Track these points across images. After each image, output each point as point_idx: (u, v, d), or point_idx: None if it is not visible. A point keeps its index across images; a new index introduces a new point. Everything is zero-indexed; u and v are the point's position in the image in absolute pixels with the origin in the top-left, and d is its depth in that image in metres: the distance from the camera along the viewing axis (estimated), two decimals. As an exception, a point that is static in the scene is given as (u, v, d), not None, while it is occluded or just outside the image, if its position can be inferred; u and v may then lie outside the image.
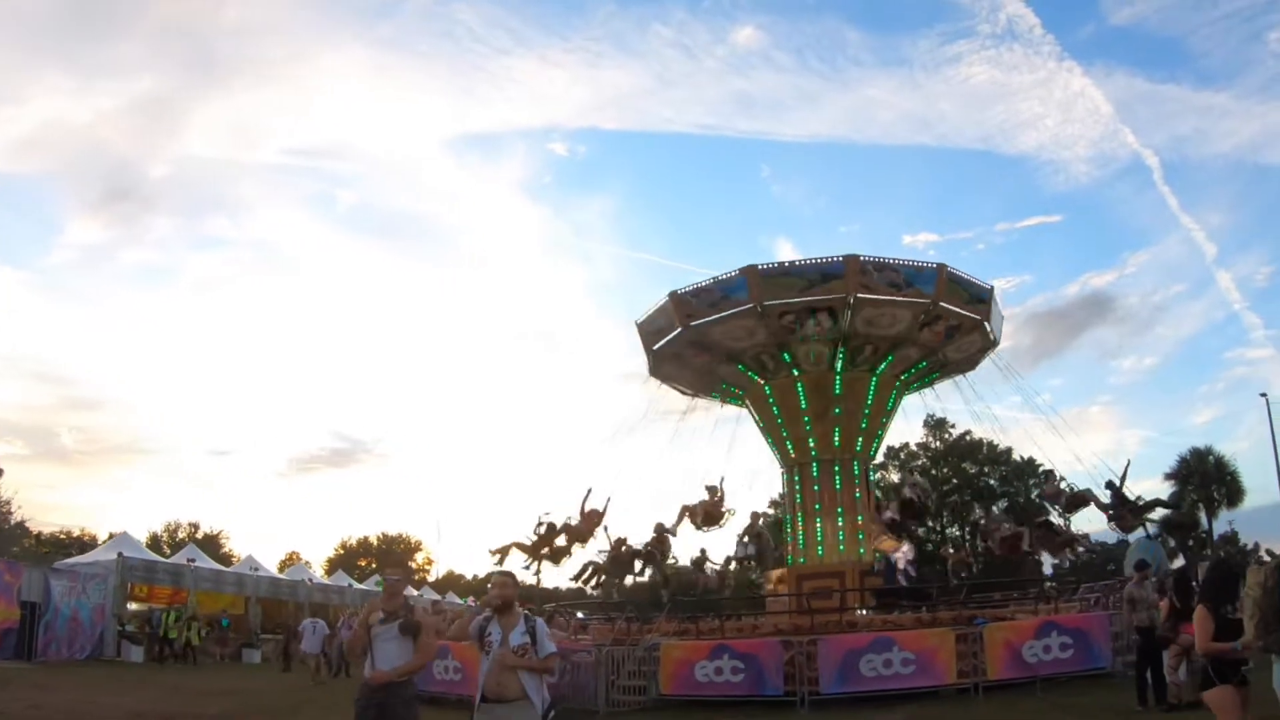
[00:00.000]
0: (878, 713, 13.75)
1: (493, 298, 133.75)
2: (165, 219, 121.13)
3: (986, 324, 25.91)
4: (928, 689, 14.62)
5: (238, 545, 68.55)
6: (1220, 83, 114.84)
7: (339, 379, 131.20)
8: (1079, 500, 23.21)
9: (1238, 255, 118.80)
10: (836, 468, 25.82)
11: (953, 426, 61.01)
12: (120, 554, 30.19)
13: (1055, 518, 24.87)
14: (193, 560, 35.03)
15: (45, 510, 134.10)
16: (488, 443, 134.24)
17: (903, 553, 23.08)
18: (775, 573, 26.33)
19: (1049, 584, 22.61)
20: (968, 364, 28.05)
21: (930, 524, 60.00)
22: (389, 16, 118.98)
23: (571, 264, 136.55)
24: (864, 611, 21.48)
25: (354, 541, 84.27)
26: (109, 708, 16.35)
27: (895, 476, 62.22)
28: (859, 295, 23.44)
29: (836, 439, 25.81)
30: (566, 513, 25.10)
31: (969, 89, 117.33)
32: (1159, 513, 25.84)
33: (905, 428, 64.93)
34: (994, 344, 27.19)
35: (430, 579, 76.13)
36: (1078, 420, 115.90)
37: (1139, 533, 23.61)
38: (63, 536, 62.20)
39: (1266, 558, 20.48)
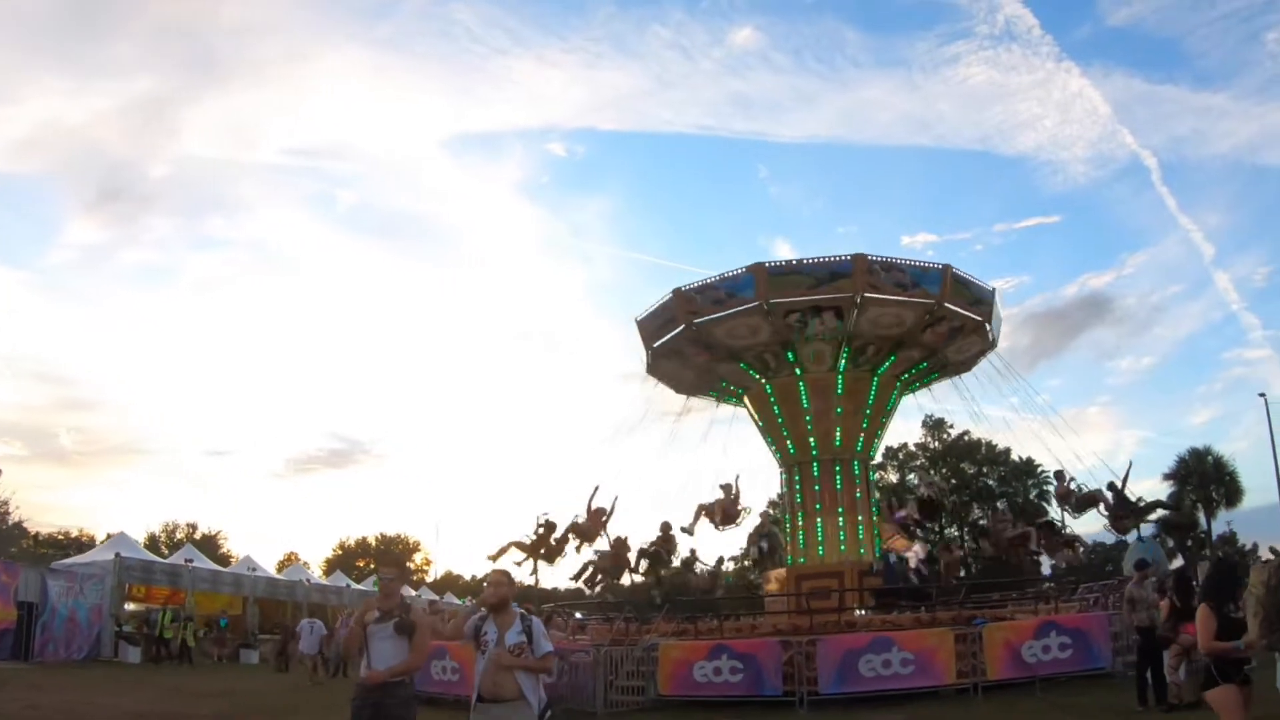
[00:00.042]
0: (877, 713, 13.70)
1: (491, 298, 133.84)
2: (164, 219, 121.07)
3: (988, 326, 25.93)
4: (927, 689, 14.58)
5: (236, 546, 68.64)
6: (1218, 83, 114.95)
7: (337, 379, 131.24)
8: (1089, 500, 23.16)
9: (1236, 256, 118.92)
10: (837, 467, 25.80)
11: (951, 427, 61.10)
12: (118, 554, 30.16)
13: (1055, 518, 24.88)
14: (190, 561, 34.99)
15: (43, 511, 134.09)
16: (485, 443, 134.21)
17: (914, 552, 23.03)
18: (774, 573, 26.29)
19: (1047, 584, 22.57)
20: (965, 365, 28.05)
21: (930, 524, 60.01)
22: (387, 17, 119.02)
23: (569, 264, 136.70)
24: (862, 612, 21.43)
25: (352, 542, 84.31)
26: (106, 708, 16.29)
27: (894, 476, 62.36)
28: (866, 295, 23.45)
29: (838, 438, 25.78)
30: (564, 512, 25.04)
31: (967, 90, 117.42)
32: (1157, 513, 25.76)
33: (904, 428, 64.97)
34: (992, 345, 27.19)
35: (428, 579, 76.15)
36: (1076, 420, 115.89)
37: (1138, 533, 23.58)
38: (61, 537, 62.20)
39: (1270, 555, 20.46)
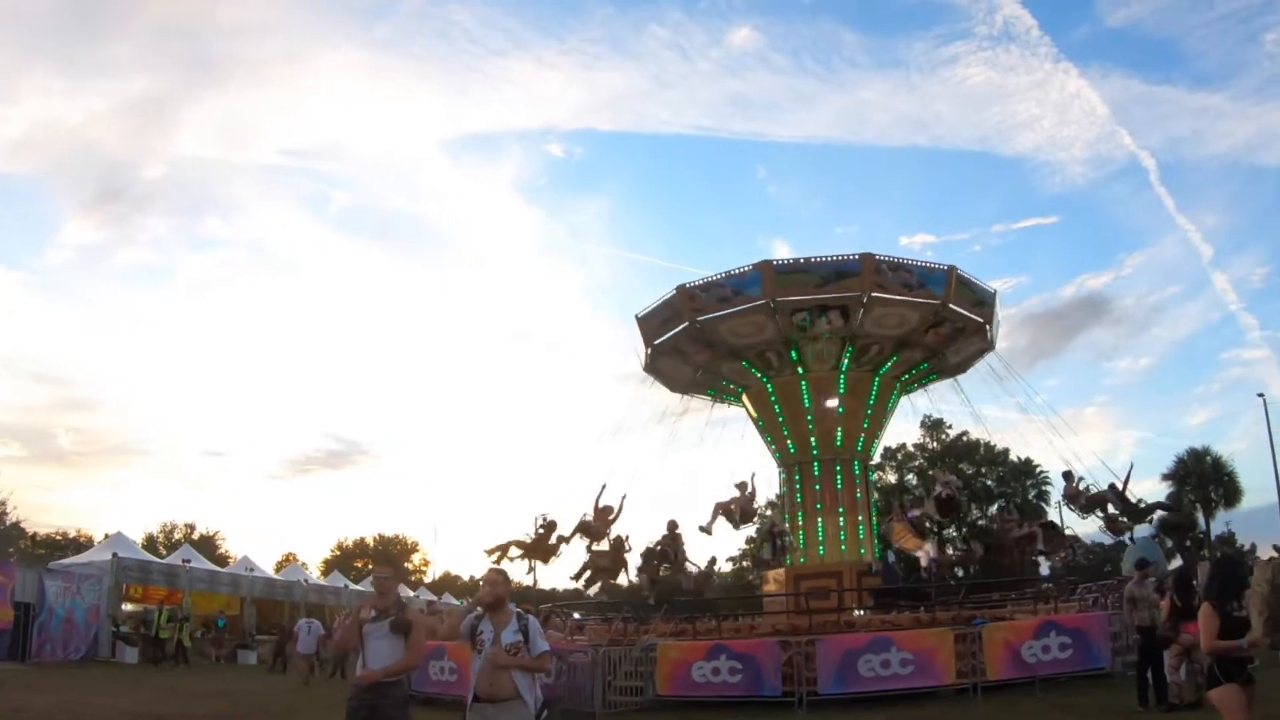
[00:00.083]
0: (876, 713, 13.63)
1: (488, 299, 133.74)
2: (160, 219, 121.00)
3: (989, 328, 25.94)
4: (926, 689, 14.53)
5: (234, 546, 68.54)
6: (1216, 84, 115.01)
7: (334, 380, 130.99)
8: (1098, 501, 23.08)
9: (1234, 256, 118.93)
10: (838, 467, 25.79)
11: (949, 427, 61.05)
12: (115, 555, 30.12)
13: (1054, 519, 24.82)
14: (188, 561, 34.91)
15: (41, 511, 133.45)
16: (483, 444, 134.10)
17: (925, 551, 22.97)
18: (772, 573, 26.22)
19: (1045, 584, 22.54)
20: (963, 367, 28.08)
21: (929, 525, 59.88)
22: (384, 17, 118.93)
23: (567, 265, 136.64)
24: (861, 612, 21.39)
25: (350, 543, 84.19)
26: (102, 709, 16.22)
27: (892, 477, 62.30)
28: (873, 294, 23.42)
29: (838, 438, 25.74)
30: (562, 512, 24.85)
31: (965, 90, 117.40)
32: (1157, 514, 25.74)
33: (902, 429, 64.95)
34: (991, 347, 27.20)
35: (426, 580, 76.05)
36: (1074, 421, 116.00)
37: (1137, 532, 23.55)
38: (59, 538, 62.13)
39: (1274, 554, 20.44)
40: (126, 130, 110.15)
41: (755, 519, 25.63)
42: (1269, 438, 39.97)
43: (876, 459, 41.82)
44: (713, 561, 27.01)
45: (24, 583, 24.78)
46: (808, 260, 24.23)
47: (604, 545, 24.27)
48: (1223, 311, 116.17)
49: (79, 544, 55.41)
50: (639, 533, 25.90)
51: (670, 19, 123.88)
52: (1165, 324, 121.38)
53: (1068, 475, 23.17)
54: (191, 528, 73.54)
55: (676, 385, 29.00)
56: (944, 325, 25.02)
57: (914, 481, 62.95)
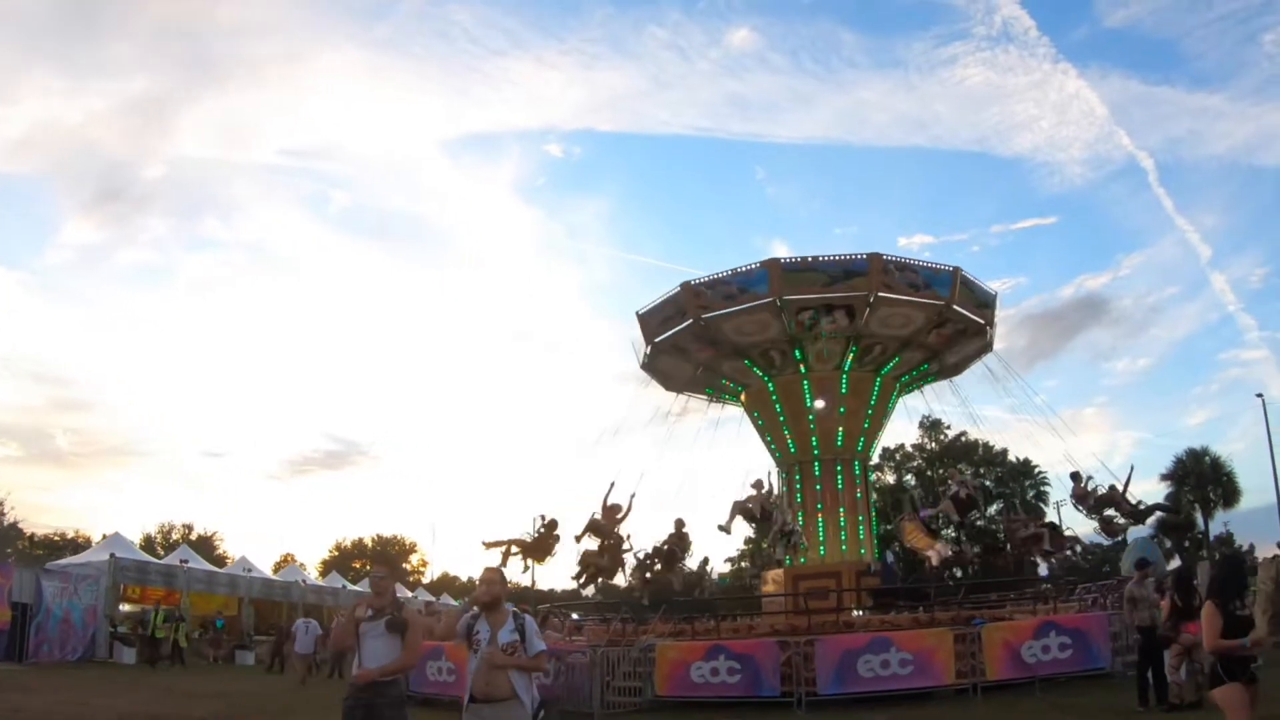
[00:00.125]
0: (875, 713, 13.58)
1: (487, 299, 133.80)
2: (160, 220, 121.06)
3: (989, 329, 25.96)
4: (926, 689, 14.48)
5: (232, 547, 68.36)
6: (1215, 84, 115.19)
7: (333, 380, 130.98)
8: (1107, 501, 23.00)
9: (1232, 257, 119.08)
10: (838, 467, 25.75)
11: (948, 428, 61.02)
12: (112, 555, 30.05)
13: (1053, 519, 24.75)
14: (185, 561, 34.84)
15: (39, 512, 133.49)
16: (482, 444, 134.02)
17: (936, 550, 22.91)
18: (771, 573, 26.17)
19: (1044, 584, 22.50)
20: (960, 367, 28.09)
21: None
22: (384, 17, 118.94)
23: (566, 265, 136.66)
24: (860, 612, 21.35)
25: (348, 543, 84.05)
26: (98, 710, 16.13)
27: (891, 478, 62.26)
28: (880, 294, 23.40)
29: (839, 438, 25.71)
30: (562, 512, 24.71)
31: (964, 91, 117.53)
32: (1156, 515, 25.68)
33: (901, 429, 64.91)
34: (989, 349, 27.21)
35: (425, 580, 75.97)
36: (1073, 421, 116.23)
37: (1136, 532, 23.51)
38: (57, 538, 62.00)
39: (1278, 551, 20.38)
40: (126, 130, 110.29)
41: (774, 517, 25.32)
42: (1268, 438, 39.96)
43: (875, 459, 41.88)
44: (705, 562, 26.76)
45: (21, 583, 24.70)
46: (815, 259, 24.19)
47: (582, 545, 24.07)
48: (1221, 312, 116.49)
49: (77, 544, 55.27)
50: (636, 532, 25.61)
51: (669, 19, 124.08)
52: (1164, 324, 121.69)
53: (1076, 476, 23.07)
54: (190, 528, 73.41)
55: (674, 384, 28.92)
56: (947, 326, 25.04)
57: (913, 482, 62.95)
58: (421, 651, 7.31)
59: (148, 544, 60.42)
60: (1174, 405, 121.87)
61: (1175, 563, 35.87)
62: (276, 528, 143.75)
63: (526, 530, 24.36)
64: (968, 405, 28.84)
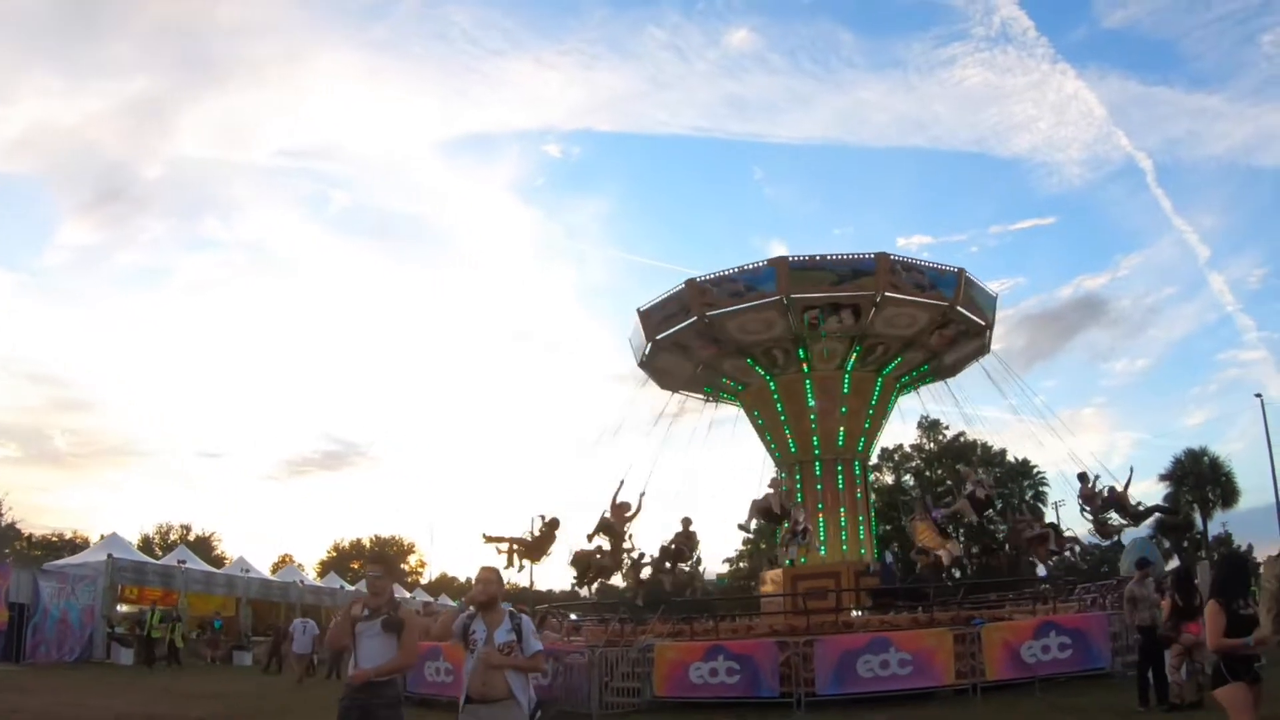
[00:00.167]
0: (875, 714, 13.53)
1: (485, 299, 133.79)
2: (158, 220, 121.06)
3: (989, 331, 25.98)
4: (925, 690, 14.44)
5: (230, 547, 68.31)
6: (1213, 85, 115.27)
7: (332, 381, 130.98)
8: (1114, 502, 22.95)
9: (1230, 257, 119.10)
10: (839, 467, 25.72)
11: (946, 428, 61.01)
12: (110, 555, 29.98)
13: (1052, 519, 24.68)
14: (183, 562, 34.80)
15: (37, 512, 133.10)
16: (480, 445, 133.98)
17: (947, 550, 22.86)
18: (770, 573, 26.11)
19: (1042, 585, 22.47)
20: (956, 368, 28.10)
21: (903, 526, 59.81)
22: (382, 18, 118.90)
23: (564, 266, 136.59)
24: (859, 613, 21.30)
25: (346, 544, 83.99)
26: (95, 711, 16.09)
27: (890, 478, 62.24)
28: (886, 294, 23.38)
29: (841, 438, 25.68)
30: (562, 511, 24.59)
31: (962, 91, 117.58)
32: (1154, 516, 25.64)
33: (899, 429, 64.82)
34: (986, 350, 27.23)
35: (423, 581, 75.91)
36: (1071, 422, 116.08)
37: (1134, 533, 23.48)
38: (55, 539, 61.97)
39: None
40: (125, 131, 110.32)
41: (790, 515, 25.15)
42: (1266, 438, 39.95)
43: (873, 460, 41.86)
44: (697, 562, 26.42)
45: (19, 583, 24.65)
46: (823, 258, 24.14)
47: (595, 544, 23.94)
48: (1219, 312, 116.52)
49: (75, 545, 55.21)
50: (635, 531, 25.45)
51: (668, 20, 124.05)
52: (1162, 325, 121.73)
53: (1083, 477, 23.00)
54: (188, 529, 73.43)
55: (672, 383, 28.84)
56: (949, 327, 25.05)
57: (911, 482, 62.94)
58: (418, 652, 7.24)
59: (146, 545, 60.37)
60: (1172, 406, 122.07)
61: (1174, 563, 35.79)
62: (274, 528, 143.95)
63: (528, 529, 24.27)
64: (966, 406, 28.86)
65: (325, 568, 69.92)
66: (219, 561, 50.24)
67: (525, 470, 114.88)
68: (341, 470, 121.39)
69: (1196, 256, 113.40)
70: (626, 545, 23.79)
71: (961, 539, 51.74)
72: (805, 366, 25.30)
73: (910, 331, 24.69)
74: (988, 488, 24.10)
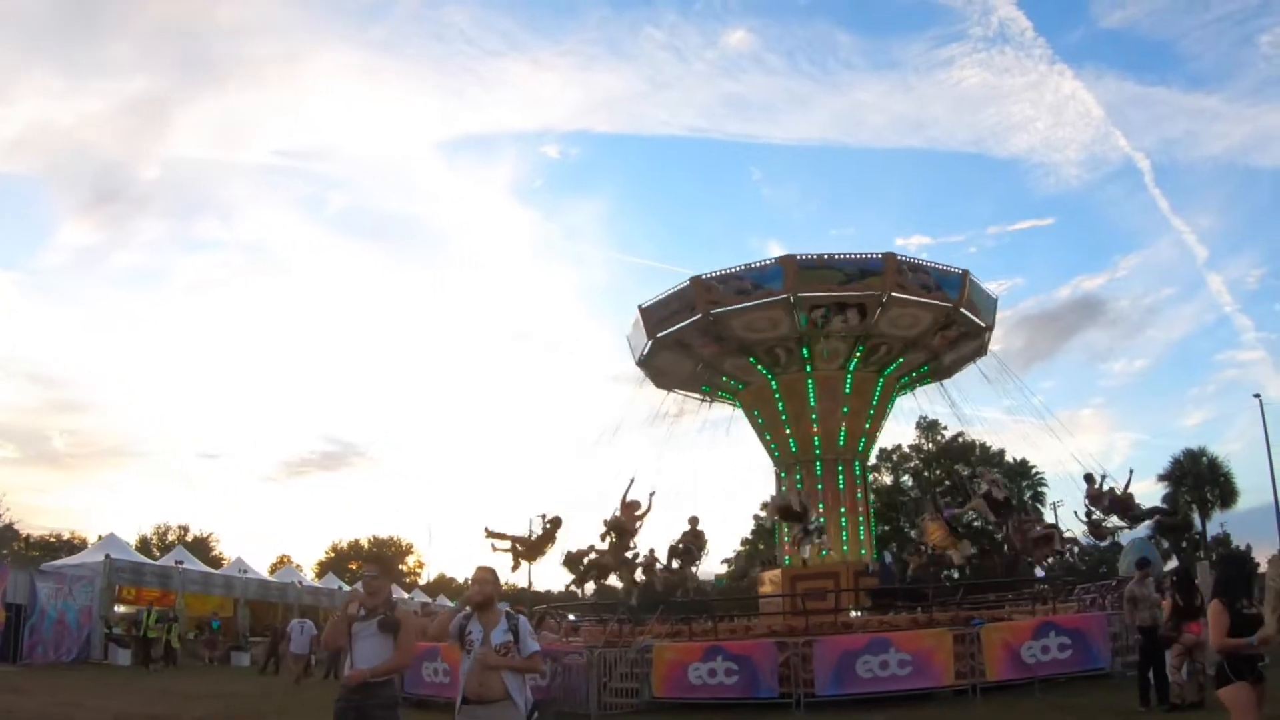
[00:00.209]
0: (874, 714, 13.51)
1: (483, 300, 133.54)
2: (156, 221, 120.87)
3: (989, 333, 25.99)
4: (925, 690, 14.40)
5: (228, 548, 68.27)
6: (1211, 85, 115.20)
7: (330, 382, 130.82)
8: (1123, 503, 22.90)
9: (1229, 258, 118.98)
10: (839, 467, 25.68)
11: (945, 429, 60.99)
12: (107, 556, 29.93)
13: (1054, 520, 24.64)
14: (181, 562, 34.75)
15: (35, 513, 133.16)
16: (478, 445, 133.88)
17: (959, 550, 22.81)
18: (768, 574, 26.07)
19: (1040, 585, 22.44)
20: (954, 369, 28.09)
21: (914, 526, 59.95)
22: (380, 18, 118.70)
23: (563, 266, 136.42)
24: (858, 613, 21.26)
25: (345, 544, 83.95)
26: (92, 711, 16.03)
27: (888, 478, 62.23)
28: (893, 294, 23.36)
29: (842, 438, 25.65)
30: (562, 511, 24.47)
31: (960, 92, 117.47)
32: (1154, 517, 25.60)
33: (897, 430, 64.80)
34: (983, 351, 27.25)
35: (421, 582, 75.87)
36: (1070, 422, 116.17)
37: (1133, 533, 23.45)
38: (52, 539, 61.97)
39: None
40: (123, 131, 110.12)
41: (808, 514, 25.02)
42: (1265, 439, 39.95)
43: (872, 460, 41.85)
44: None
45: (15, 584, 24.59)
46: (831, 256, 24.05)
47: (606, 544, 23.85)
48: (1218, 313, 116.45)
49: (73, 546, 55.14)
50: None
51: (666, 20, 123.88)
52: (1160, 325, 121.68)
53: (1089, 478, 22.93)
54: (185, 529, 73.42)
55: (669, 381, 28.73)
56: (952, 328, 25.05)
57: (910, 483, 62.92)
58: (415, 652, 7.21)
59: (144, 545, 60.31)
60: (1171, 406, 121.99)
61: (1172, 563, 35.79)
62: (273, 529, 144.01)
63: (532, 529, 24.11)
64: (962, 406, 28.72)
65: (323, 568, 69.90)
66: (217, 562, 50.19)
67: (523, 471, 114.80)
68: (340, 471, 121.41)
69: (1195, 257, 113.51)
70: (631, 545, 23.71)
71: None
72: (808, 366, 25.25)
73: (914, 332, 24.67)
74: (1004, 487, 23.98)
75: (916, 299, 23.92)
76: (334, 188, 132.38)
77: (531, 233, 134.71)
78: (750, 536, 62.35)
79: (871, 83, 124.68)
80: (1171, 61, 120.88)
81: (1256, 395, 43.43)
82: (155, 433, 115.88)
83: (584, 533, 24.80)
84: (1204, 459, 56.64)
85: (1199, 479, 55.65)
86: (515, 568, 24.02)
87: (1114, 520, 22.90)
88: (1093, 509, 22.60)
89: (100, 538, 38.70)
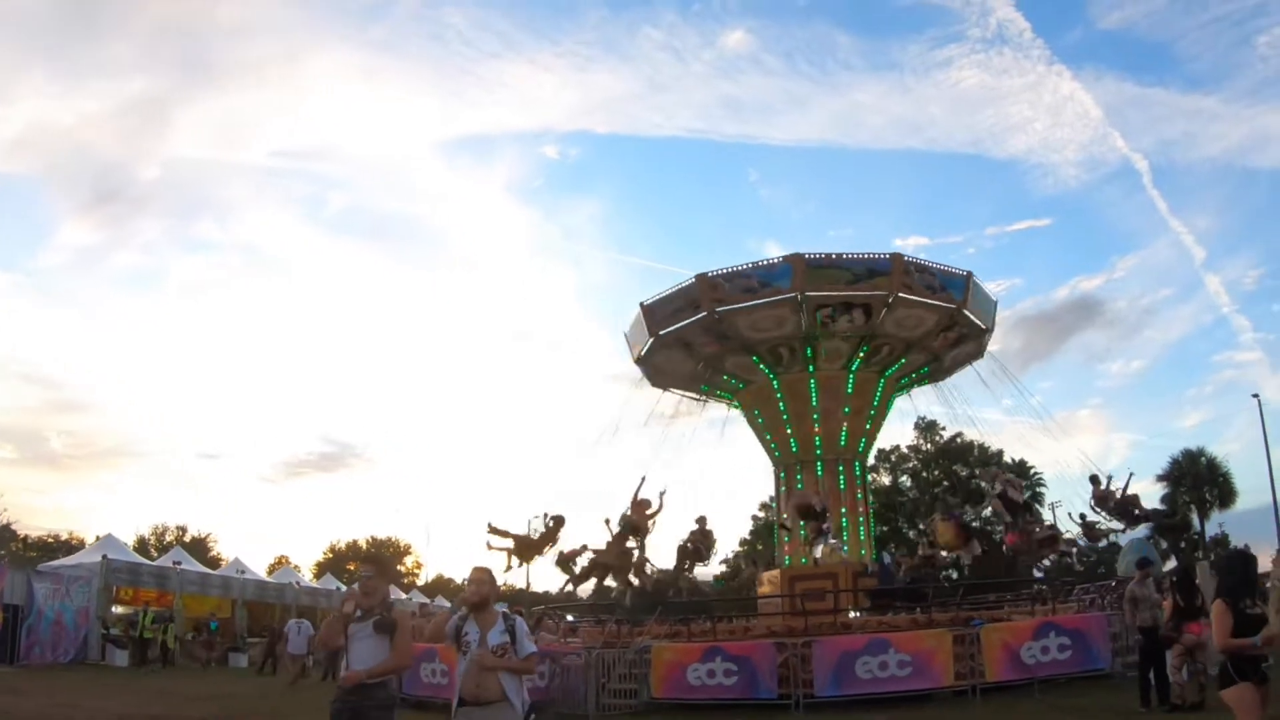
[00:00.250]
0: (873, 715, 13.46)
1: (482, 301, 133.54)
2: (155, 221, 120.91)
3: (988, 335, 25.98)
4: (924, 691, 14.35)
5: (226, 549, 68.20)
6: (1209, 86, 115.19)
7: (328, 382, 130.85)
8: (1129, 505, 22.85)
9: (1226, 258, 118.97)
10: (840, 467, 25.65)
11: (943, 429, 60.97)
12: (104, 556, 29.85)
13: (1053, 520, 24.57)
14: (178, 563, 34.66)
15: (33, 514, 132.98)
16: (477, 446, 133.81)
17: (969, 550, 22.75)
18: (767, 574, 26.03)
19: (1038, 585, 22.40)
20: (951, 370, 28.07)
21: (922, 526, 59.91)
22: (379, 19, 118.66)
23: (561, 267, 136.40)
24: (856, 614, 21.21)
25: (343, 545, 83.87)
26: (91, 712, 16.00)
27: (886, 479, 62.17)
28: (900, 294, 23.34)
29: (843, 438, 25.62)
30: (562, 510, 24.37)
31: (959, 93, 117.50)
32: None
33: (896, 430, 64.79)
34: (980, 354, 27.26)
35: (419, 583, 75.79)
36: (1068, 423, 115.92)
37: (1133, 533, 23.40)
38: (50, 540, 61.90)
39: None
40: (122, 131, 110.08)
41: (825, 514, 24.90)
42: (1264, 439, 39.89)
43: (870, 460, 41.84)
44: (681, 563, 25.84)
45: (13, 584, 24.56)
46: (840, 256, 24.05)
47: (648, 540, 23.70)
48: (1215, 314, 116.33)
49: (70, 546, 55.06)
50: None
51: (664, 21, 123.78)
52: (1158, 326, 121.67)
53: (1095, 479, 22.88)
54: (184, 530, 73.34)
55: (667, 380, 28.64)
56: (953, 330, 25.04)
57: (908, 484, 62.89)
58: (411, 653, 7.15)
59: (141, 546, 60.23)
60: (1169, 407, 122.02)
61: (1171, 564, 35.79)
62: (271, 530, 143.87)
63: (531, 529, 24.00)
64: (963, 407, 28.73)
65: (321, 569, 69.82)
66: (215, 563, 50.09)
67: (521, 471, 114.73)
68: (338, 471, 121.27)
69: (1192, 258, 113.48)
70: (634, 545, 23.59)
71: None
72: (811, 366, 25.19)
73: (917, 333, 24.68)
74: (1020, 488, 23.90)
75: (922, 300, 23.93)
76: (333, 188, 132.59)
77: (530, 233, 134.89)
78: (749, 537, 62.33)
79: (870, 84, 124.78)
80: (1170, 62, 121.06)
81: (1255, 395, 43.50)
82: (153, 433, 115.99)
83: (584, 533, 24.77)
84: (1202, 459, 56.61)
85: (1197, 479, 55.61)
86: (508, 568, 23.90)
87: (1105, 522, 22.93)
88: (1099, 510, 22.55)
89: (98, 538, 38.65)
